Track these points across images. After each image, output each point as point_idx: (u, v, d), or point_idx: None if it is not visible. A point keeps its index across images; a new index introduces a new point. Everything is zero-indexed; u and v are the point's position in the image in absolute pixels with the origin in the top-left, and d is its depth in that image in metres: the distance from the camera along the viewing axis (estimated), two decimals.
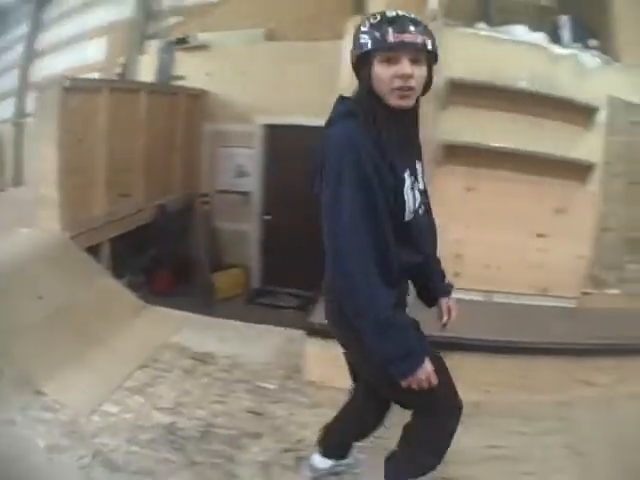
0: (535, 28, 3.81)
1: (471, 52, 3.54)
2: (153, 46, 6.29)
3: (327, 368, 2.95)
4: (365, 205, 1.42)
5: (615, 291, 3.53)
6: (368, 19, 1.45)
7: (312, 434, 2.32)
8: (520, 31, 3.67)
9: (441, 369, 1.61)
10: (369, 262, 1.42)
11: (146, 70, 6.19)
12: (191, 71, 5.98)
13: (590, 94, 3.35)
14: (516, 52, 3.42)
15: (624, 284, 3.59)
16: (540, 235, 3.44)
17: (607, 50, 3.81)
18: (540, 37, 3.68)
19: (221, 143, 6.12)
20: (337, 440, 2.13)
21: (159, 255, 5.48)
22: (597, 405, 2.86)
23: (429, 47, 1.43)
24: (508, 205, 3.40)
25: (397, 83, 1.42)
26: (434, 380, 1.49)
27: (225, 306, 5.34)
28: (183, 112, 5.70)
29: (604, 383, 2.96)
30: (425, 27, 1.44)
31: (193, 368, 3.06)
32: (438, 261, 1.81)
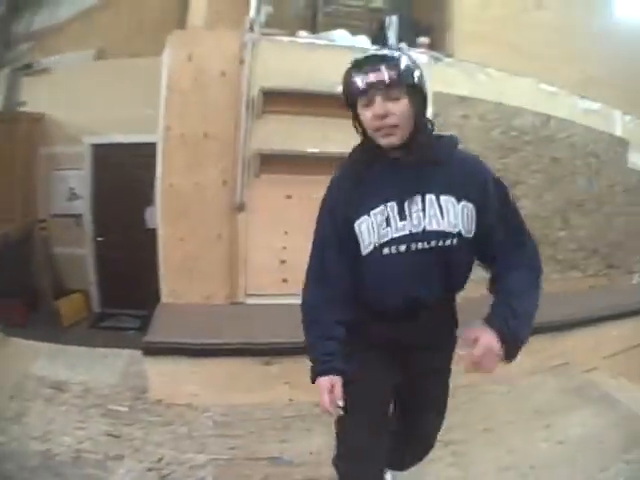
0: (361, 31, 3.87)
1: (287, 61, 3.59)
2: (3, 74, 6.02)
3: (169, 386, 3.12)
4: (319, 236, 1.64)
5: None
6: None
7: (169, 452, 2.58)
8: (340, 36, 3.75)
9: (364, 417, 1.60)
10: (312, 276, 1.64)
11: None
12: (33, 96, 5.86)
13: None
14: (333, 57, 3.31)
15: None
16: None
17: (441, 46, 3.93)
18: (362, 40, 3.75)
19: (55, 166, 6.01)
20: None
21: (7, 287, 5.28)
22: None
23: (398, 80, 1.39)
24: None
25: (375, 124, 1.44)
26: (323, 404, 1.51)
27: (71, 332, 5.38)
28: (23, 138, 5.64)
29: None
30: (397, 60, 1.42)
31: (52, 396, 3.20)
32: (511, 301, 1.50)
